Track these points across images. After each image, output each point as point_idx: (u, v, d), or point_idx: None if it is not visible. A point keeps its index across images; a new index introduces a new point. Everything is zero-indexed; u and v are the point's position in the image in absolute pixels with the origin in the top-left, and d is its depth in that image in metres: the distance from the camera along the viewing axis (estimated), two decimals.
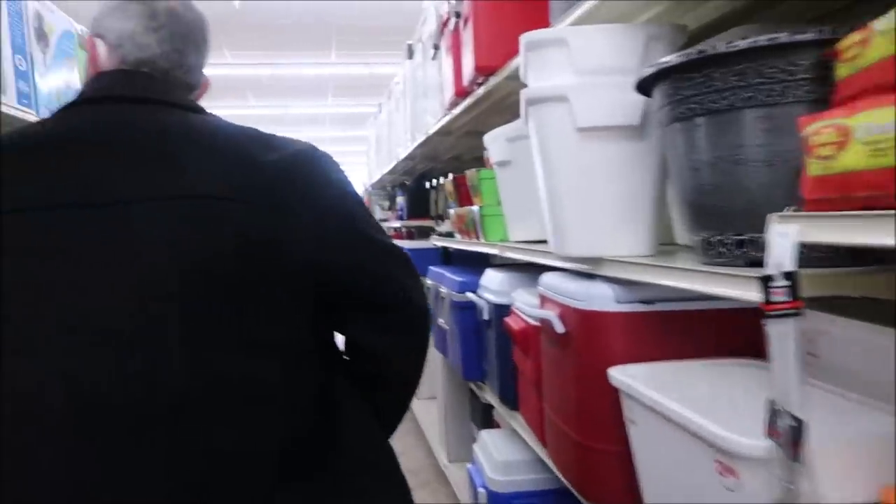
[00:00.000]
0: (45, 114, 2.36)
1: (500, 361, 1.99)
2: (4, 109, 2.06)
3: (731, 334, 1.19)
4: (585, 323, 1.26)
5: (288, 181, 0.89)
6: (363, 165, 8.40)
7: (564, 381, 1.37)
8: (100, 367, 0.81)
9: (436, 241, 3.35)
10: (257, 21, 6.65)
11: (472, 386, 2.67)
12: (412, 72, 3.71)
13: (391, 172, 5.59)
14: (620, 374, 1.14)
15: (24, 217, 0.83)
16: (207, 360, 0.84)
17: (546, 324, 1.41)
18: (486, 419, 2.79)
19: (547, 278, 1.51)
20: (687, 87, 0.90)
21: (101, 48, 0.96)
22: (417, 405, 4.54)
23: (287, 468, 0.87)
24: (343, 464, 0.93)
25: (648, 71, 0.98)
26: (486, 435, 2.22)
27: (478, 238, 2.33)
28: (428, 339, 1.07)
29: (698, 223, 0.97)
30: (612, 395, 1.19)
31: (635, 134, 1.18)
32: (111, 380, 0.81)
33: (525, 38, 1.26)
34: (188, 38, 0.99)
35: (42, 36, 2.40)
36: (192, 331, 0.83)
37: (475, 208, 2.26)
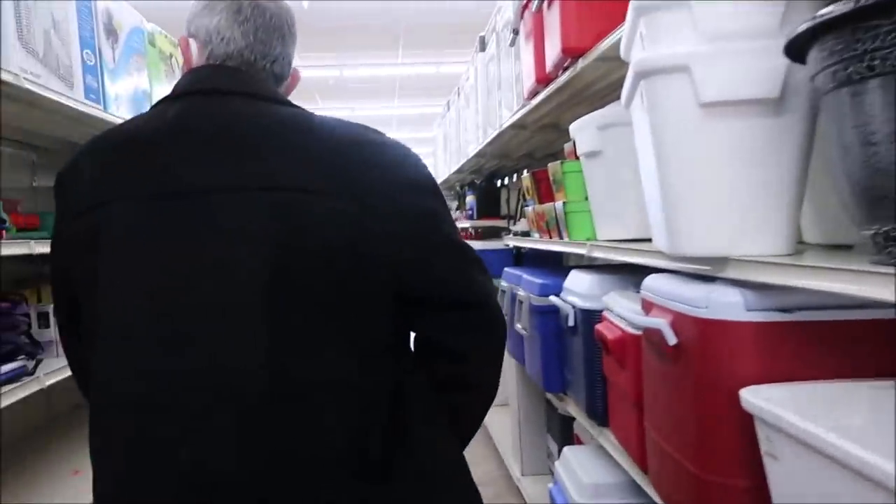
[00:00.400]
0: (113, 109, 2.32)
1: (588, 372, 1.80)
2: (71, 104, 2.01)
3: None
4: (706, 334, 1.07)
5: (371, 175, 0.88)
6: (430, 167, 8.31)
7: (676, 401, 1.18)
8: (174, 359, 0.83)
9: (509, 241, 3.18)
10: (325, 22, 6.63)
11: (551, 396, 2.49)
12: (484, 65, 3.55)
13: (459, 171, 5.45)
14: (756, 398, 0.94)
15: (110, 209, 0.87)
16: (286, 353, 0.83)
17: (653, 334, 1.22)
18: (564, 432, 2.60)
19: (653, 281, 1.32)
20: (867, 38, 0.71)
21: (194, 47, 0.99)
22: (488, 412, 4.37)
23: (354, 468, 0.85)
24: (410, 465, 0.91)
25: (808, 25, 0.79)
26: (569, 452, 2.04)
27: (560, 237, 2.15)
28: (504, 342, 1.04)
29: (871, 213, 0.78)
30: (742, 421, 0.99)
31: (773, 108, 0.99)
32: (186, 372, 0.83)
33: (637, 2, 1.08)
34: (273, 30, 0.99)
35: (111, 31, 2.36)
36: (271, 325, 0.83)
37: (558, 204, 2.08)
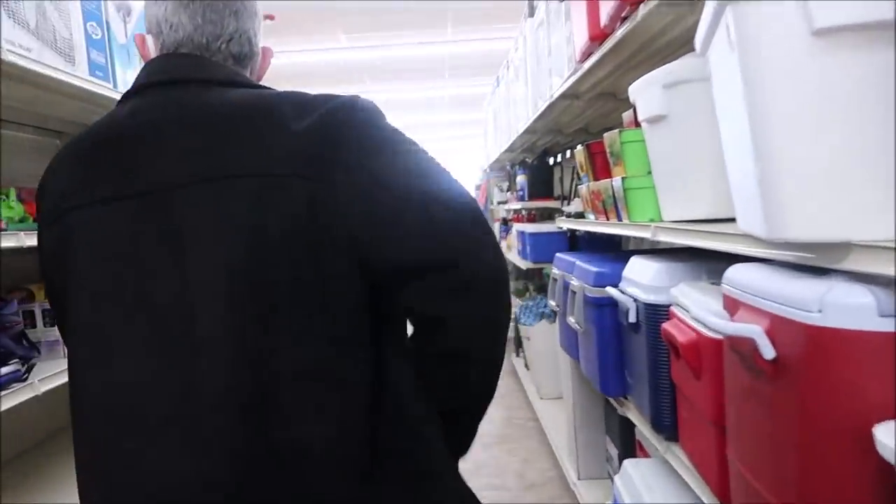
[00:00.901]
0: (123, 86, 2.14)
1: (653, 377, 1.53)
2: (73, 81, 1.83)
3: None
4: (820, 347, 0.79)
5: (320, 144, 0.82)
6: (481, 149, 8.09)
7: (773, 430, 0.91)
8: (143, 368, 0.81)
9: (562, 224, 2.89)
10: (372, 1, 6.39)
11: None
12: (533, 31, 3.26)
13: (510, 150, 5.17)
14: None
15: (73, 216, 0.86)
16: (257, 350, 0.79)
17: (742, 343, 0.94)
18: (625, 436, 2.33)
19: (741, 273, 1.03)
20: None
21: (150, 42, 0.96)
22: (540, 405, 4.12)
23: (340, 467, 0.81)
24: (398, 464, 0.85)
25: None
26: (630, 466, 1.77)
27: (618, 218, 1.87)
28: (505, 308, 0.90)
29: None
30: (873, 467, 0.72)
31: None
32: (155, 380, 0.80)
33: None
34: (222, 7, 0.94)
35: (122, 4, 2.18)
36: (241, 322, 0.79)
37: (616, 180, 1.80)
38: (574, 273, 2.13)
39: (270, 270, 0.79)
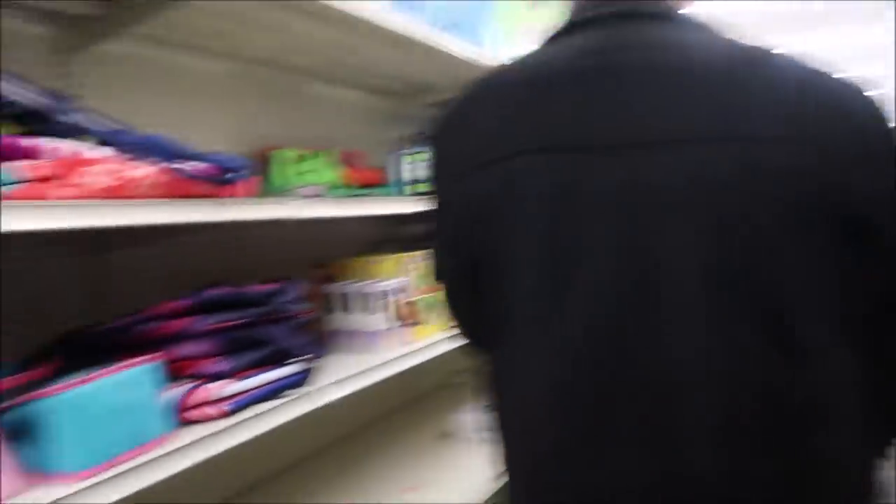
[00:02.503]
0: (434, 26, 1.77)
1: None
2: (372, 18, 1.49)
3: None
4: None
5: (831, 118, 0.71)
6: None
7: None
8: (611, 351, 0.73)
9: None
10: None
11: None
12: None
13: None
14: None
15: (516, 165, 0.77)
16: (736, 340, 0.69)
17: None
18: None
19: None
20: None
21: None
22: None
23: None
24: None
25: None
26: None
27: None
28: None
29: None
30: None
31: None
32: (630, 363, 0.73)
33: None
34: None
35: None
36: (716, 312, 0.70)
37: None
38: None
39: (745, 248, 0.69)
